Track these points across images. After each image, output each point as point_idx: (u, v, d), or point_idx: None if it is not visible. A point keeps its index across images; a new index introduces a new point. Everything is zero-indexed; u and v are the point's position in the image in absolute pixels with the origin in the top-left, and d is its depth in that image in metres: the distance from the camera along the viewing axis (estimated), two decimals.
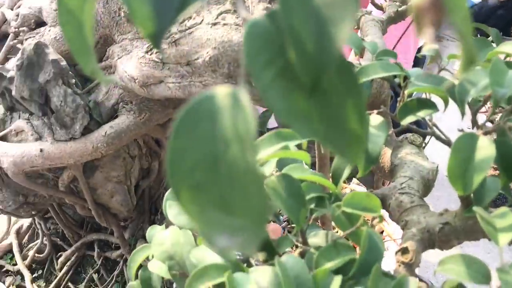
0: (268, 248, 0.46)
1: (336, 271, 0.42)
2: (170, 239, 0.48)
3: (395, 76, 0.58)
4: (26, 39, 0.92)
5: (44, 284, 1.17)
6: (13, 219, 1.24)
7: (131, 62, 0.81)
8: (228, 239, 0.20)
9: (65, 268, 1.17)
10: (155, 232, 0.52)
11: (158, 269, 0.52)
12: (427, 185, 0.58)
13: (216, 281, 0.41)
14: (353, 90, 0.21)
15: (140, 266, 0.56)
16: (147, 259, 0.54)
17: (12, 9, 0.99)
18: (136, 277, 0.55)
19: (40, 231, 1.21)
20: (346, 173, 0.53)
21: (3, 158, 0.84)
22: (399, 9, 1.00)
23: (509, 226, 0.40)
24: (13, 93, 0.85)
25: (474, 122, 0.47)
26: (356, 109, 0.21)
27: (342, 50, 0.19)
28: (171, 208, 0.51)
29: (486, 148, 0.40)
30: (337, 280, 0.40)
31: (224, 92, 0.20)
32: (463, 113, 0.48)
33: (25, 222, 1.27)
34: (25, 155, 0.83)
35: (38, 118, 0.86)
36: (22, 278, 1.18)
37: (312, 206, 0.48)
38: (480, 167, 0.39)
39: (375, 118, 0.52)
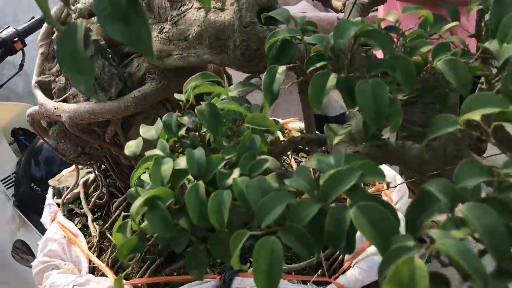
0: None
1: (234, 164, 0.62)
2: (136, 144, 0.73)
3: None
4: None
5: (102, 223, 1.47)
6: (81, 174, 1.56)
7: None
8: (83, 88, 0.44)
9: (117, 212, 1.46)
10: None
11: (146, 177, 0.76)
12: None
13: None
14: (144, 21, 0.44)
15: None
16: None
17: (73, 5, 1.29)
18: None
19: (100, 183, 1.52)
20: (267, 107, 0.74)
21: (63, 114, 1.14)
22: None
23: (344, 132, 0.59)
24: None
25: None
26: (147, 30, 0.44)
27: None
28: (143, 127, 0.76)
29: (330, 80, 0.59)
30: (223, 162, 0.61)
31: (79, 22, 0.44)
32: (330, 58, 0.67)
33: (91, 176, 1.59)
34: (77, 111, 1.13)
35: None
36: (86, 219, 1.48)
37: (230, 124, 0.71)
38: (327, 91, 0.59)
39: (280, 68, 0.72)
